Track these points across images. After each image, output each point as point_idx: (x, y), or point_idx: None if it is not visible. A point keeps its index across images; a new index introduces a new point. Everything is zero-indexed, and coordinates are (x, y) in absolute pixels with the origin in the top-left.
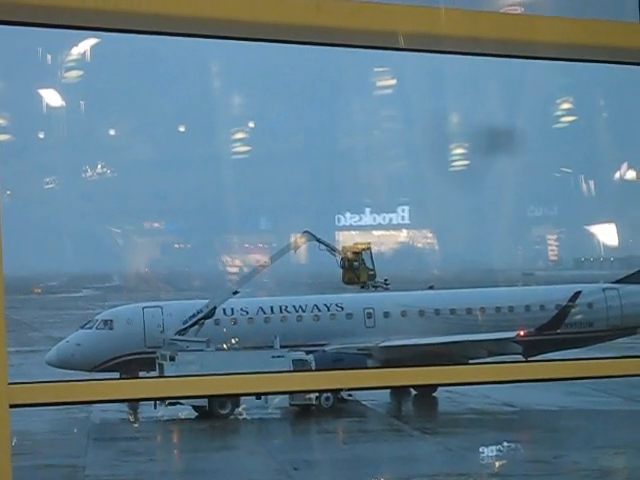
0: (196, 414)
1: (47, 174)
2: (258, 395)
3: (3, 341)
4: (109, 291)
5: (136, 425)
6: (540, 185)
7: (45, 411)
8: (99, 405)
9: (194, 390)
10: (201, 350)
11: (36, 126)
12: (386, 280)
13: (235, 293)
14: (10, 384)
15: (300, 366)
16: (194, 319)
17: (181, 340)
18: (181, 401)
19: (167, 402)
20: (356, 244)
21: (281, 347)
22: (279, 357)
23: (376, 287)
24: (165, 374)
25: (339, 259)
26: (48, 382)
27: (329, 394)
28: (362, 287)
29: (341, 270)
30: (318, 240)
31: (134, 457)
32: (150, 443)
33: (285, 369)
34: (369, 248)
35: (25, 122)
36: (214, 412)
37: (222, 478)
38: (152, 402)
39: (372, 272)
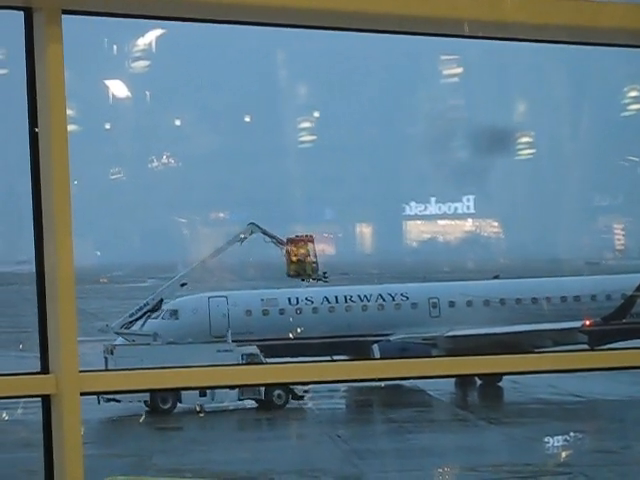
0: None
1: (113, 164)
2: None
3: (74, 330)
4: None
5: (202, 415)
6: (607, 174)
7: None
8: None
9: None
10: (147, 344)
11: (103, 117)
12: (325, 273)
13: (183, 285)
14: (80, 372)
15: (251, 361)
16: (140, 312)
17: (126, 333)
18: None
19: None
20: (298, 236)
21: (346, 337)
22: (226, 351)
23: (317, 280)
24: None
25: (284, 251)
26: (117, 370)
27: (280, 390)
28: (303, 280)
29: (286, 262)
30: (264, 232)
31: (200, 446)
32: (215, 433)
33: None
34: (312, 240)
35: (92, 113)
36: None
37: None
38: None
39: (315, 264)
